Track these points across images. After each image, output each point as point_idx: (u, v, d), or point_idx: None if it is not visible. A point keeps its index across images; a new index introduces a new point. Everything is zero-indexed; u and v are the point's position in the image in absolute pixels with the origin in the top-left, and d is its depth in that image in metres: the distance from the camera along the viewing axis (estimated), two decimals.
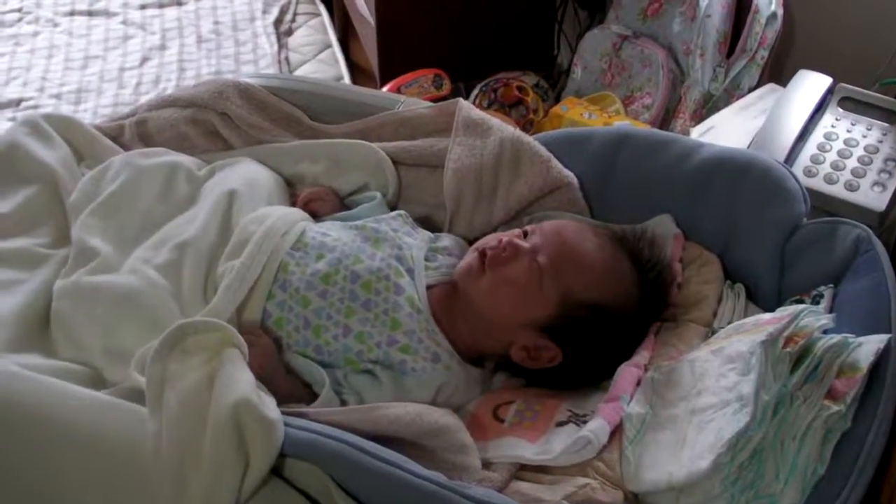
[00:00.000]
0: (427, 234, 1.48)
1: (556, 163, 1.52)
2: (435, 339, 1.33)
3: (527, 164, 1.51)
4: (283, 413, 1.13)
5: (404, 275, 1.37)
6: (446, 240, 1.49)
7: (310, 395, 1.28)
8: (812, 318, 1.20)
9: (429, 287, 1.38)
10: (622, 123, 2.05)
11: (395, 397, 1.28)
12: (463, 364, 1.35)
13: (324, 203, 1.54)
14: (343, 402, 1.26)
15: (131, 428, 1.13)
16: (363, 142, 1.59)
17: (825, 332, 1.19)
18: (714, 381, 1.19)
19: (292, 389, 1.27)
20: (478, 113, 1.59)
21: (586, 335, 1.33)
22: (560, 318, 1.33)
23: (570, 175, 1.52)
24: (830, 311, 1.28)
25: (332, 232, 1.42)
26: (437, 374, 1.31)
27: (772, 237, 1.41)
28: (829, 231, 1.38)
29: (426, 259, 1.42)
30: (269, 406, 1.12)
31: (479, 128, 1.56)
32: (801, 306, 1.23)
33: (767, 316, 1.25)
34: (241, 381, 1.14)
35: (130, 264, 1.38)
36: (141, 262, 1.38)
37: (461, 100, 1.60)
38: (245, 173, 1.54)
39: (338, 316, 1.32)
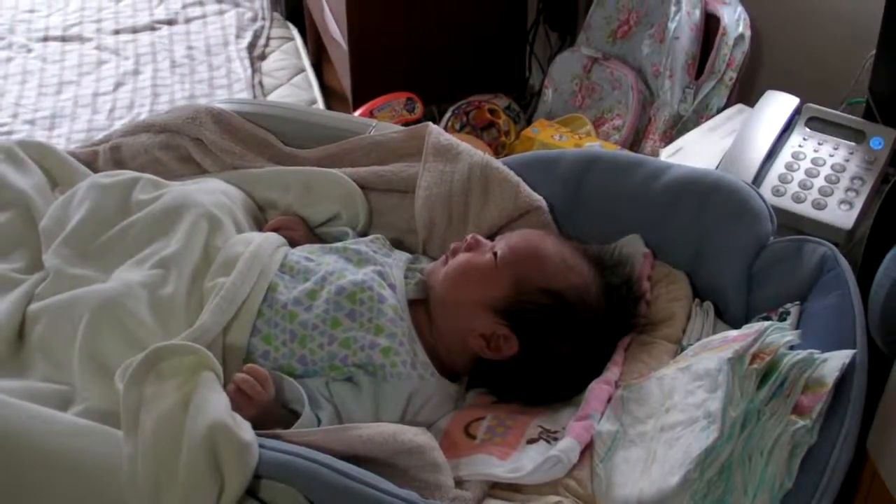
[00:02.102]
0: (405, 254, 1.51)
1: (524, 187, 1.54)
2: (414, 347, 1.36)
3: (496, 190, 1.53)
4: (258, 435, 1.14)
5: (387, 288, 1.39)
6: (425, 262, 1.52)
7: (286, 411, 1.29)
8: (778, 334, 1.22)
9: (409, 302, 1.41)
10: (592, 145, 2.07)
11: (373, 403, 1.30)
12: (437, 376, 1.36)
13: (292, 232, 1.55)
14: (318, 419, 1.27)
15: (107, 451, 1.14)
16: (335, 171, 1.59)
17: (791, 348, 1.21)
18: (682, 397, 1.20)
19: (276, 410, 1.28)
20: (447, 137, 1.60)
21: (544, 325, 1.35)
22: (516, 303, 1.36)
23: (539, 199, 1.54)
24: (797, 327, 1.30)
25: (314, 256, 1.45)
26: (411, 381, 1.33)
27: (739, 256, 1.43)
28: (795, 249, 1.40)
29: (405, 277, 1.45)
30: (243, 428, 1.13)
31: (448, 153, 1.58)
32: (766, 323, 1.25)
33: (734, 333, 1.27)
34: (215, 404, 1.15)
35: (113, 279, 1.39)
36: (123, 275, 1.39)
37: (430, 124, 1.62)
38: (214, 195, 1.53)
39: (323, 326, 1.34)
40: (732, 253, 1.44)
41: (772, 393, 1.16)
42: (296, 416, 1.26)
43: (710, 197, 1.47)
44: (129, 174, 1.57)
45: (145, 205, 1.50)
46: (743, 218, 1.44)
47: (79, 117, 2.56)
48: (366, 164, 1.61)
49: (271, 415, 1.25)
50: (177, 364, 1.21)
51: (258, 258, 1.40)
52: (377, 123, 1.68)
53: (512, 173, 1.54)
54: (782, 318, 1.33)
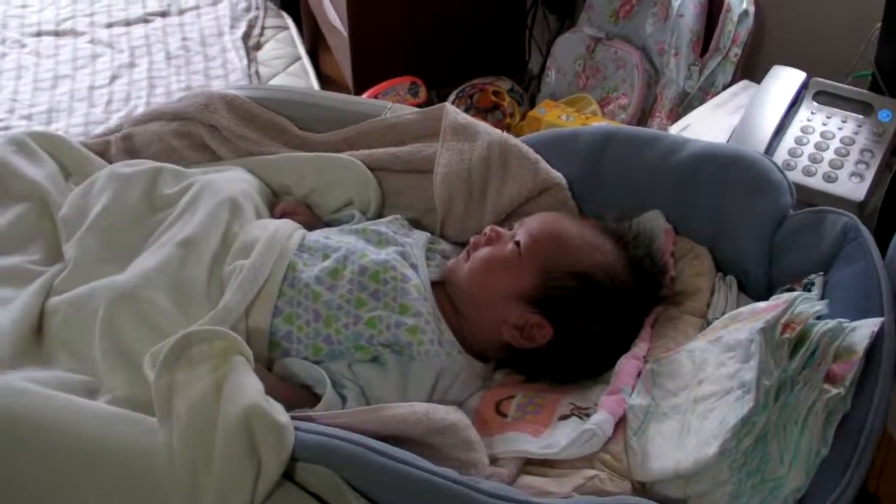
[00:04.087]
0: (425, 234, 1.51)
1: (544, 164, 1.53)
2: (439, 326, 1.35)
3: (515, 167, 1.53)
4: (292, 417, 1.13)
5: (409, 268, 1.39)
6: (444, 244, 1.52)
7: (311, 396, 1.28)
8: (807, 304, 1.22)
9: (431, 283, 1.40)
10: (602, 124, 2.07)
11: (399, 384, 1.30)
12: (465, 354, 1.36)
13: (298, 217, 1.54)
14: (343, 399, 1.27)
15: (142, 438, 1.14)
16: (349, 157, 1.59)
17: (819, 317, 1.21)
18: (714, 369, 1.21)
19: (289, 395, 1.27)
20: (464, 117, 1.60)
21: (576, 308, 1.35)
22: (546, 290, 1.35)
23: (558, 176, 1.54)
24: (822, 298, 1.30)
25: (333, 235, 1.45)
26: (439, 358, 1.33)
27: (760, 229, 1.43)
28: (816, 221, 1.40)
29: (426, 258, 1.45)
30: (278, 411, 1.13)
31: (466, 132, 1.57)
32: (795, 294, 1.25)
33: (763, 304, 1.27)
34: (249, 387, 1.15)
35: (130, 268, 1.39)
36: (139, 264, 1.39)
37: (448, 104, 1.61)
38: (237, 183, 1.54)
39: (348, 306, 1.34)
40: (753, 226, 1.44)
41: (804, 362, 1.16)
42: (319, 399, 1.26)
43: (729, 170, 1.46)
44: (149, 164, 1.56)
45: (171, 200, 1.49)
46: (763, 191, 1.44)
47: (76, 111, 2.53)
48: (382, 146, 1.60)
49: (293, 399, 1.25)
50: (207, 349, 1.20)
51: (276, 239, 1.40)
52: (392, 105, 1.67)
53: (531, 150, 1.54)
54: (807, 289, 1.33)
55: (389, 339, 1.32)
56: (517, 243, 1.38)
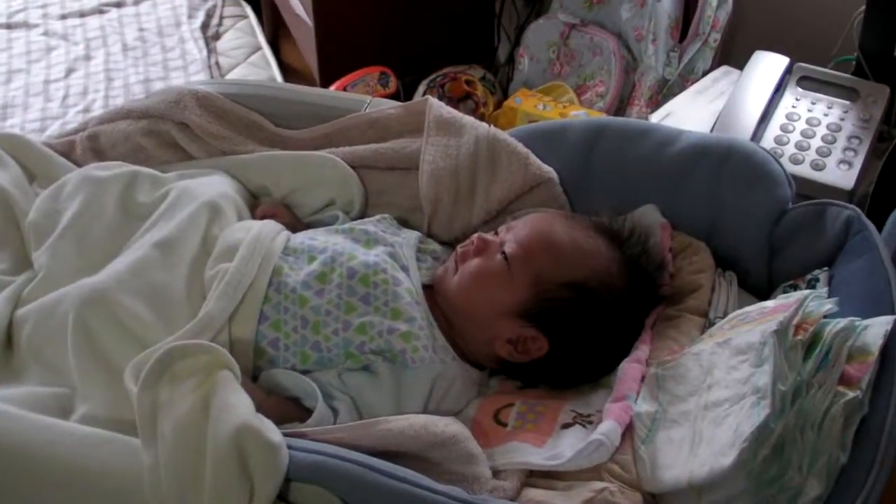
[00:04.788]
0: (414, 233, 1.45)
1: (534, 158, 1.48)
2: (433, 332, 1.30)
3: (504, 163, 1.47)
4: (283, 434, 1.08)
5: (400, 270, 1.34)
6: (434, 245, 1.46)
7: (301, 409, 1.23)
8: (816, 303, 1.18)
9: (423, 287, 1.35)
10: (577, 113, 2.03)
11: (393, 394, 1.24)
12: (459, 361, 1.31)
13: (279, 219, 1.48)
14: (335, 412, 1.22)
15: (126, 461, 1.08)
16: (330, 156, 1.52)
17: (827, 316, 1.16)
18: (725, 373, 1.16)
19: (278, 410, 1.21)
20: (449, 111, 1.54)
21: (572, 319, 1.30)
22: (539, 303, 1.30)
23: (549, 171, 1.48)
24: (828, 295, 1.26)
25: (319, 236, 1.39)
26: (434, 365, 1.27)
27: (758, 223, 1.39)
28: (817, 214, 1.37)
29: (417, 259, 1.39)
30: (270, 429, 1.07)
31: (451, 126, 1.51)
32: (805, 292, 1.21)
33: (771, 304, 1.23)
34: (239, 405, 1.09)
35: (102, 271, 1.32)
36: (111, 266, 1.32)
37: (430, 98, 1.56)
38: (217, 186, 1.48)
39: (337, 311, 1.28)
40: (751, 220, 1.40)
41: (818, 364, 1.11)
42: (308, 412, 1.20)
43: (725, 162, 1.42)
44: (124, 167, 1.49)
45: (147, 210, 1.42)
46: (761, 183, 1.40)
47: (31, 106, 2.46)
48: (363, 143, 1.54)
49: (282, 414, 1.19)
50: (191, 364, 1.15)
51: (260, 242, 1.34)
52: (372, 100, 1.61)
53: (520, 145, 1.49)
54: (811, 286, 1.30)
55: (382, 345, 1.26)
56: (504, 254, 1.32)
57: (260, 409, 1.12)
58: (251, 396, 1.13)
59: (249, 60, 2.69)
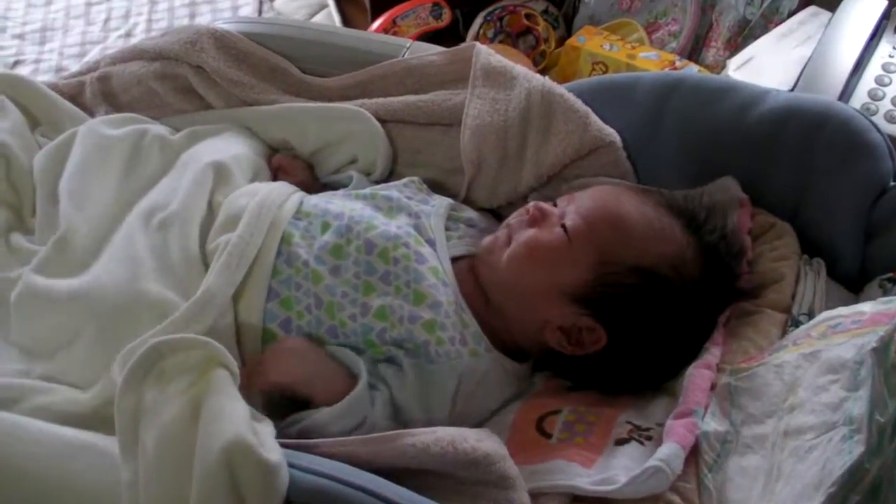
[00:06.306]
0: (446, 200, 1.31)
1: (594, 118, 1.32)
2: (462, 317, 1.16)
3: (560, 122, 1.32)
4: (285, 445, 0.94)
5: (425, 245, 1.20)
6: (469, 211, 1.33)
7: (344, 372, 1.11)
8: None
9: (453, 260, 1.21)
10: (646, 55, 1.86)
11: (419, 392, 1.11)
12: (493, 351, 1.16)
13: (290, 177, 1.37)
14: (371, 402, 1.09)
15: (102, 477, 0.96)
16: (357, 108, 1.39)
17: None
18: (811, 394, 0.98)
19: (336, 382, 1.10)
20: (498, 59, 1.39)
21: (635, 310, 1.15)
22: (600, 287, 1.15)
23: (611, 133, 1.33)
24: None
25: (336, 200, 1.26)
26: (461, 359, 1.13)
27: (854, 201, 1.24)
28: None
29: (447, 228, 1.26)
30: (268, 446, 0.92)
31: (501, 77, 1.36)
32: None
33: (868, 308, 1.04)
34: (232, 415, 0.94)
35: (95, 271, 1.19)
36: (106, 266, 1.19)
37: (478, 44, 1.40)
38: (229, 145, 1.35)
39: (355, 294, 1.15)
40: (846, 197, 1.24)
41: None
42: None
43: (817, 130, 1.25)
44: (131, 124, 1.37)
45: (150, 182, 1.30)
46: (859, 155, 1.23)
47: (71, 29, 2.39)
48: (399, 93, 1.40)
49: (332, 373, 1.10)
50: (181, 361, 0.99)
51: (267, 208, 1.20)
52: (411, 44, 1.46)
53: (579, 101, 1.33)
54: None
55: (403, 334, 1.12)
56: (564, 226, 1.16)
57: (315, 375, 1.08)
58: (307, 358, 1.10)
59: None
